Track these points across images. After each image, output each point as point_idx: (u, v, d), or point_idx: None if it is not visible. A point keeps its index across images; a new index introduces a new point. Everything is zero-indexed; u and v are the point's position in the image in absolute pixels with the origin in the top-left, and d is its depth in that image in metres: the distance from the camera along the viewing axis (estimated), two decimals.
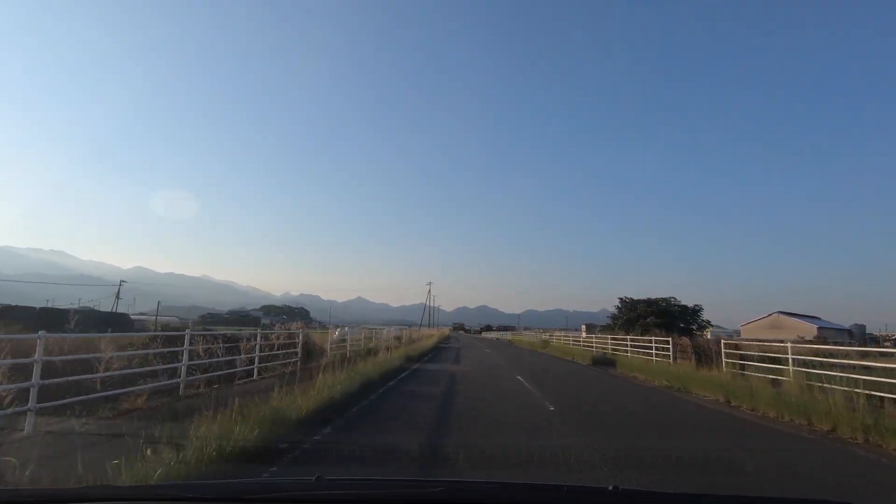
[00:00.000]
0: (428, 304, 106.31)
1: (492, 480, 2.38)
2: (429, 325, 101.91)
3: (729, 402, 10.54)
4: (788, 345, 12.31)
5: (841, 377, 9.33)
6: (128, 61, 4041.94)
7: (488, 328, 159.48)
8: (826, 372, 10.03)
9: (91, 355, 8.45)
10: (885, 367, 9.40)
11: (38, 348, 6.30)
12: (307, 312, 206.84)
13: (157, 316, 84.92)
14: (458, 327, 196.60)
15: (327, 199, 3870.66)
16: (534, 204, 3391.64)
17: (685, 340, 18.61)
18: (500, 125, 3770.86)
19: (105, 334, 13.30)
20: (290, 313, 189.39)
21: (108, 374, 8.07)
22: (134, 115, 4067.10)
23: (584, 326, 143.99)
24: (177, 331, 17.21)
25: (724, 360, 14.13)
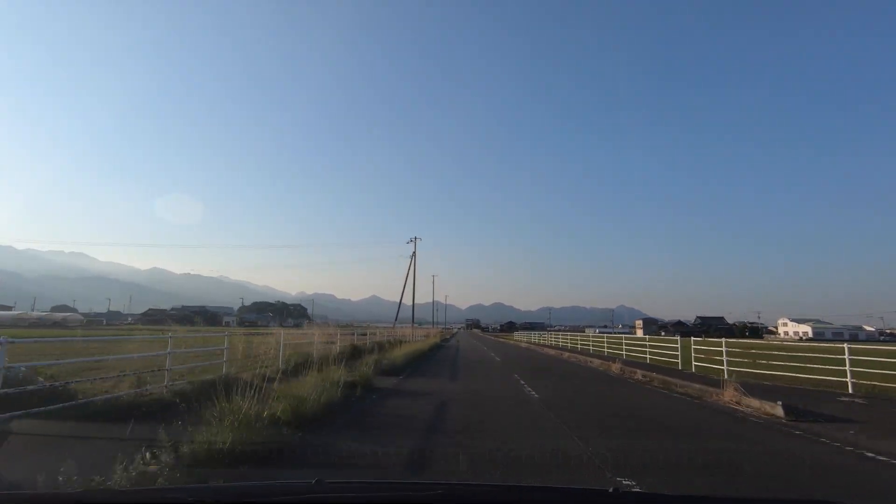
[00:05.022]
0: (413, 270, 53.79)
1: (492, 483, 2.26)
2: (413, 322, 63.19)
3: None
4: None
5: None
6: (132, 63, 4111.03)
7: (511, 326, 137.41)
8: None
9: None
10: None
11: None
12: (305, 310, 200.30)
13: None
14: (473, 325, 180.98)
15: (342, 200, 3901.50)
16: (548, 204, 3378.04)
17: None
18: (509, 128, 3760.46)
19: None
20: (285, 311, 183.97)
21: None
22: (147, 120, 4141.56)
23: (639, 323, 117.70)
24: None
25: None
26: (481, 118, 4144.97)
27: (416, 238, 56.89)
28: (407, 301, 56.54)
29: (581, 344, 31.95)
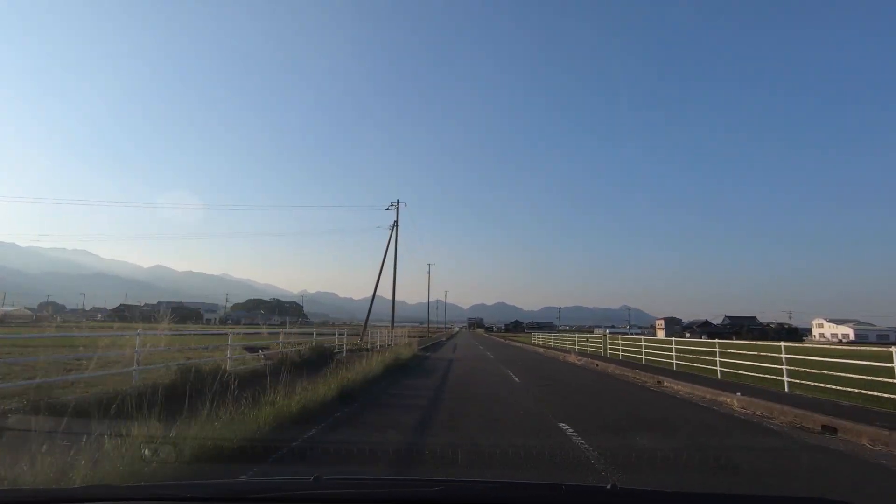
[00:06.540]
0: (394, 239, 38.45)
1: (490, 480, 2.22)
2: (392, 321, 41.07)
3: None
4: None
5: None
6: (135, 63, 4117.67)
7: (517, 325, 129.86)
8: None
9: None
10: None
11: None
12: (301, 308, 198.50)
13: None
14: (475, 324, 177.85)
15: (343, 199, 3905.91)
16: (549, 203, 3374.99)
17: None
18: (511, 127, 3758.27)
19: None
20: (277, 308, 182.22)
21: None
22: (148, 120, 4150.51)
23: (660, 323, 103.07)
24: None
25: None
26: (483, 116, 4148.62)
27: (398, 202, 39.62)
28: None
29: (748, 364, 12.93)
